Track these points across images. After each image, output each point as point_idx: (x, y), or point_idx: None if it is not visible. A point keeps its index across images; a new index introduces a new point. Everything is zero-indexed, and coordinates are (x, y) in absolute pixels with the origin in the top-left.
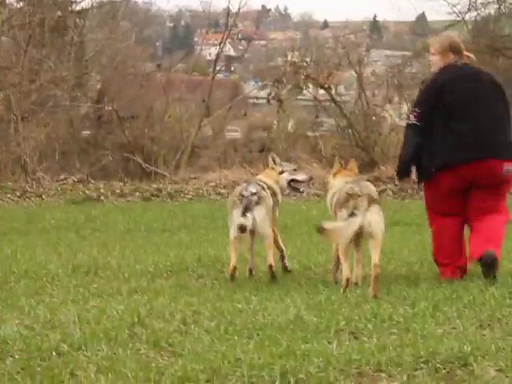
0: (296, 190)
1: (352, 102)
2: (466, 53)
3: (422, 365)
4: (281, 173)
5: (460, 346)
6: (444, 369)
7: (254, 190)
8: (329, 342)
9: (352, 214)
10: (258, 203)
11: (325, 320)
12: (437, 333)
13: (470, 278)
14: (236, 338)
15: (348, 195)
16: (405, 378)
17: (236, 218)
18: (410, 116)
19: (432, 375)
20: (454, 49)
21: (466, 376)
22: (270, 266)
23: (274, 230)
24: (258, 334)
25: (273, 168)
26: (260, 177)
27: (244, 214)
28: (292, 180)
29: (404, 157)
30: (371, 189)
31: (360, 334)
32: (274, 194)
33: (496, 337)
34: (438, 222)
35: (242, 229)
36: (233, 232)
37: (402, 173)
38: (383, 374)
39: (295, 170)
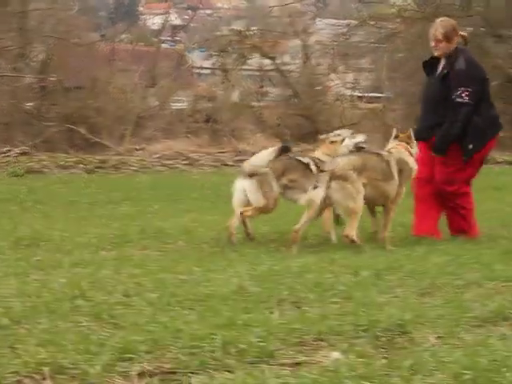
0: (361, 149)
1: (297, 71)
2: (461, 33)
3: (363, 333)
4: (342, 141)
5: (400, 314)
6: (384, 337)
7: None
8: (270, 312)
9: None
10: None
11: (267, 290)
12: (378, 301)
13: (413, 247)
14: (178, 309)
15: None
16: (345, 346)
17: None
18: (463, 95)
19: (372, 343)
20: (456, 32)
21: (405, 343)
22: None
23: None
24: (201, 305)
25: (332, 142)
26: (317, 154)
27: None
28: (356, 143)
29: (453, 135)
30: (340, 164)
31: (302, 304)
32: None
33: (436, 304)
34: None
35: None
36: None
37: (444, 150)
38: (324, 343)
39: (353, 133)
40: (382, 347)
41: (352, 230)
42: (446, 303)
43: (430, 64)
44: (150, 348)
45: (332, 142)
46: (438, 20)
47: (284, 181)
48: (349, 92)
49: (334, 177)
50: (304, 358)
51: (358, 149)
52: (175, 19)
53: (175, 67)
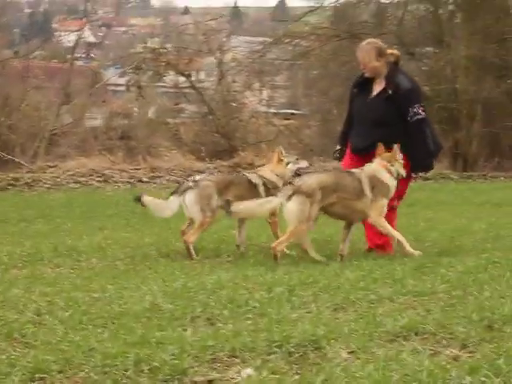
0: (298, 175)
1: (213, 88)
2: (392, 51)
3: (276, 349)
4: (287, 164)
5: (313, 330)
6: (297, 352)
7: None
8: (184, 329)
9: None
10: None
11: (181, 307)
12: (292, 317)
13: (327, 262)
14: (91, 327)
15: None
16: (258, 362)
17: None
18: (419, 111)
19: (285, 359)
20: (383, 52)
21: (318, 359)
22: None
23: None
24: (114, 323)
25: (281, 161)
26: (263, 169)
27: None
28: (297, 169)
29: (431, 149)
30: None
31: (216, 320)
32: (275, 188)
33: (349, 319)
34: None
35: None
36: None
37: (430, 166)
38: (237, 360)
39: (297, 159)
40: (295, 363)
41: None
42: (359, 318)
43: (362, 84)
44: (62, 367)
45: (280, 163)
46: (364, 42)
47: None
48: (264, 109)
49: (297, 191)
50: (217, 375)
51: (298, 174)
52: (89, 36)
53: (90, 84)
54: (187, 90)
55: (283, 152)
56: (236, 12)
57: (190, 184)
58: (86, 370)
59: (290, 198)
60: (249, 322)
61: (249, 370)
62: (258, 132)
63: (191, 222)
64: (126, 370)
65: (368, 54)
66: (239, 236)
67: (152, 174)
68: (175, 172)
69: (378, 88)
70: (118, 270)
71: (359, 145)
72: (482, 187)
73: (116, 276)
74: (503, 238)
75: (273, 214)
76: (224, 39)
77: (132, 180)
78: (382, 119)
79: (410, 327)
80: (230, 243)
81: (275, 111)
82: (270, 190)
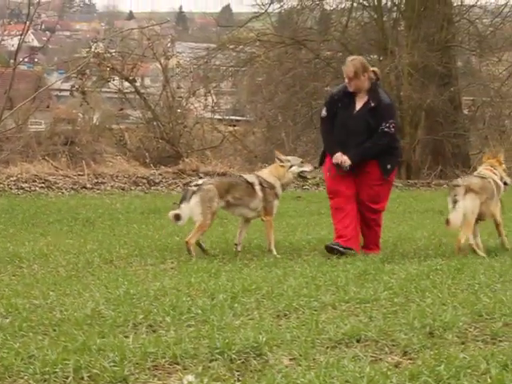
0: (304, 178)
1: (157, 94)
2: (372, 69)
3: (218, 356)
4: (290, 167)
5: (256, 337)
6: (239, 359)
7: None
8: (125, 336)
9: None
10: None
11: (123, 314)
12: (234, 324)
13: (270, 269)
14: (31, 334)
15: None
16: (200, 369)
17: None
18: (390, 127)
19: (227, 366)
20: (366, 69)
21: (259, 366)
22: (187, 243)
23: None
24: (55, 330)
25: (282, 166)
26: (263, 170)
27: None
28: (301, 172)
29: (370, 154)
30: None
31: (158, 327)
32: (271, 188)
33: (291, 326)
34: None
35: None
36: None
37: (355, 162)
38: (178, 367)
39: (302, 162)
40: (237, 370)
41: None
42: (302, 325)
43: (343, 99)
44: (1, 375)
45: (281, 166)
46: (349, 59)
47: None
48: (209, 115)
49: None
50: (158, 382)
51: (303, 177)
52: (33, 40)
53: (33, 89)
54: (132, 96)
55: (282, 157)
56: (181, 17)
57: (194, 188)
58: (26, 378)
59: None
60: (191, 328)
61: (190, 377)
62: (203, 138)
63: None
64: (66, 378)
65: (355, 69)
66: (239, 235)
67: (96, 181)
68: (119, 178)
69: (360, 102)
70: (60, 276)
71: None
72: (425, 195)
73: (58, 282)
74: (445, 246)
75: (267, 213)
76: (169, 45)
77: (76, 186)
78: (368, 130)
79: (352, 334)
80: (175, 251)
81: (220, 117)
82: (266, 189)
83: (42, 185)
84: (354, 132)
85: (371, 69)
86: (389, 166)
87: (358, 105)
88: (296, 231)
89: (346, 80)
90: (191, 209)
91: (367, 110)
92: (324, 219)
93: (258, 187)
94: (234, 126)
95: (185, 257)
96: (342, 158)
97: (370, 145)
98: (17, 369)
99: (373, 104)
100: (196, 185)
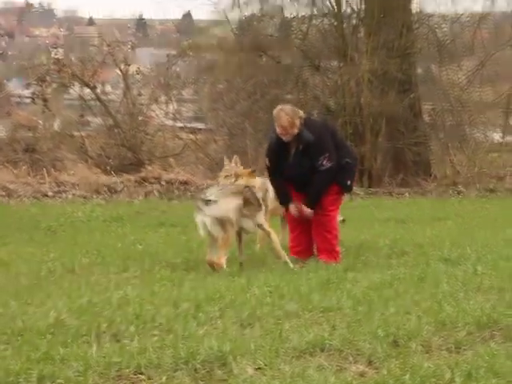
0: None
1: (118, 101)
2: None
3: (182, 365)
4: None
5: (220, 346)
6: (204, 369)
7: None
8: (89, 346)
9: None
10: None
11: (86, 323)
12: (198, 333)
13: (233, 278)
14: None
15: None
16: (164, 379)
17: None
18: (324, 162)
19: (191, 375)
20: (298, 116)
21: (224, 375)
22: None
23: None
24: (17, 339)
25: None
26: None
27: None
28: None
29: (323, 192)
30: None
31: (122, 337)
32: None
33: (255, 335)
34: None
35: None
36: None
37: (316, 204)
38: (143, 376)
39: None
40: (202, 379)
41: None
42: (266, 334)
43: (278, 147)
44: None
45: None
46: (283, 111)
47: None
48: (171, 123)
49: None
50: None
51: None
52: None
53: None
54: (93, 103)
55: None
56: (141, 24)
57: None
58: None
59: None
60: (155, 338)
61: None
62: (164, 146)
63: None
64: None
65: (291, 119)
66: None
67: (57, 189)
68: (81, 186)
69: (292, 148)
70: (22, 285)
71: (302, 190)
72: (387, 203)
73: (19, 291)
74: (407, 255)
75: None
76: (129, 51)
77: (37, 194)
78: (309, 169)
79: (316, 343)
80: (137, 259)
81: (182, 125)
82: None
83: (3, 193)
84: (298, 175)
85: (299, 114)
86: (348, 182)
87: (292, 151)
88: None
89: (281, 131)
90: None
91: (299, 154)
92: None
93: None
94: (196, 133)
95: (148, 266)
96: (300, 211)
97: (318, 187)
98: None
99: (301, 147)
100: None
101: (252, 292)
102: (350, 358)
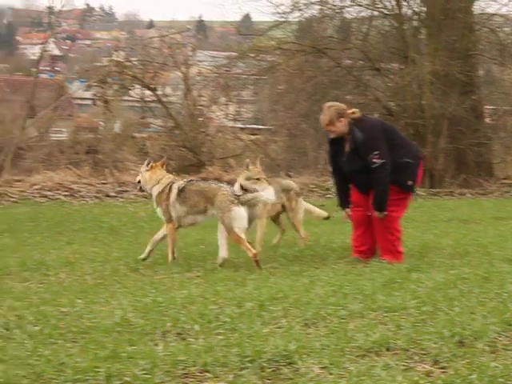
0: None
1: (179, 102)
2: (352, 110)
3: (248, 364)
4: None
5: (285, 345)
6: (270, 367)
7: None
8: (155, 344)
9: None
10: None
11: (151, 322)
12: (263, 332)
13: (296, 278)
14: (61, 341)
15: None
16: (231, 377)
17: None
18: (374, 160)
19: (258, 374)
20: (341, 115)
21: (291, 374)
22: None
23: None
24: (84, 338)
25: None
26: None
27: None
28: None
29: (386, 192)
30: None
31: (186, 335)
32: None
33: (320, 335)
34: None
35: None
36: None
37: (384, 208)
38: (209, 375)
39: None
40: (268, 378)
41: None
42: (331, 333)
43: (336, 142)
44: (33, 382)
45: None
46: (326, 106)
47: None
48: (231, 123)
49: None
50: None
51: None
52: (54, 49)
53: (55, 97)
54: (153, 104)
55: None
56: (201, 26)
57: None
58: None
59: None
60: (220, 337)
61: None
62: (225, 147)
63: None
64: None
65: (329, 117)
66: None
67: (119, 189)
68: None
69: (346, 145)
70: (87, 284)
71: (363, 190)
72: (448, 204)
73: (85, 290)
74: (471, 255)
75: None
76: (189, 53)
77: (99, 194)
78: (364, 167)
79: (381, 342)
80: (200, 259)
81: (242, 126)
82: None
83: (66, 193)
84: (353, 174)
85: (350, 111)
86: (409, 183)
87: (346, 148)
88: (320, 240)
89: (324, 128)
90: None
91: (351, 153)
92: (348, 227)
93: None
94: (256, 134)
95: (210, 265)
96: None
97: (377, 186)
98: (48, 376)
99: (353, 146)
100: None
101: (315, 291)
102: (416, 358)
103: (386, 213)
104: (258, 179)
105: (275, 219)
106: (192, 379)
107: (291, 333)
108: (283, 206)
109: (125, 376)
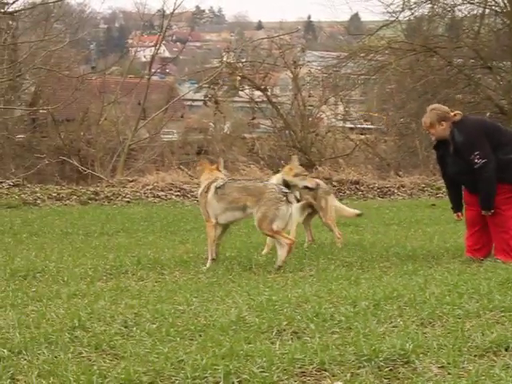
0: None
1: (288, 103)
2: (455, 112)
3: (365, 363)
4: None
5: (402, 344)
6: (387, 367)
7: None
8: (271, 343)
9: None
10: None
11: (267, 320)
12: (378, 331)
13: (410, 277)
14: (178, 339)
15: None
16: (348, 376)
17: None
18: (476, 160)
19: (375, 373)
20: (443, 118)
21: (408, 373)
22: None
23: None
24: (201, 336)
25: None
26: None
27: None
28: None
29: (492, 191)
30: None
31: (302, 334)
32: None
33: (437, 334)
34: None
35: None
36: None
37: (491, 207)
38: (326, 373)
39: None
40: (385, 377)
41: None
42: (447, 333)
43: (441, 144)
44: (153, 379)
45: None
46: (429, 108)
47: None
48: (340, 123)
49: None
50: None
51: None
52: (164, 51)
53: (166, 99)
54: (263, 105)
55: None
56: (310, 26)
57: None
58: (177, 382)
59: None
60: (336, 335)
61: (339, 383)
62: (334, 146)
63: None
64: (217, 383)
65: (430, 120)
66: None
67: None
68: None
69: (449, 147)
70: (202, 283)
71: (472, 191)
72: None
73: (200, 289)
74: None
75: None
76: (299, 54)
77: None
78: (468, 170)
79: (499, 342)
80: (313, 258)
81: (352, 126)
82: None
83: (178, 193)
84: (457, 175)
85: (453, 113)
86: None
87: (450, 151)
88: (433, 239)
89: (426, 130)
90: None
91: (453, 155)
92: (460, 227)
93: None
94: (365, 134)
95: (322, 265)
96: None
97: (483, 186)
98: (168, 373)
99: (453, 147)
100: None
101: (430, 291)
102: None
103: (493, 210)
104: (306, 175)
105: (304, 221)
106: (309, 377)
107: (407, 332)
108: (312, 207)
109: (243, 374)
